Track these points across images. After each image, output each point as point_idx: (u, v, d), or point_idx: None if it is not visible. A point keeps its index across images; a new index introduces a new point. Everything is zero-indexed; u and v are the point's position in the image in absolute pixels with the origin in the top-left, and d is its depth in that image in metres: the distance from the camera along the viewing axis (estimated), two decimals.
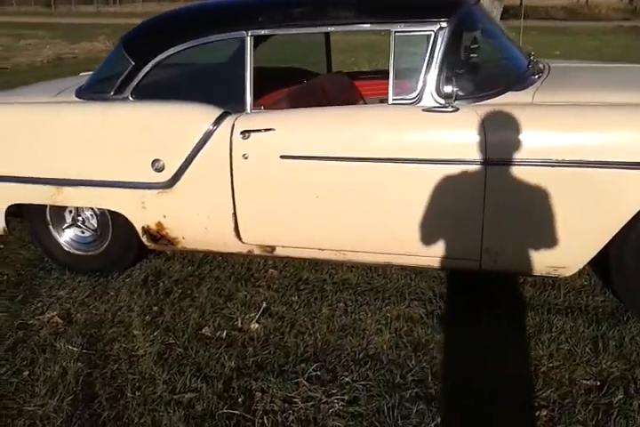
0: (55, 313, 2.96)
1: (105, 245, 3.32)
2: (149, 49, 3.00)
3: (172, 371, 2.49)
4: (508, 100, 2.65)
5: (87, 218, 3.35)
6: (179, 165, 2.92)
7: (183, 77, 3.25)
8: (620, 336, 2.60)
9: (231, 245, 3.06)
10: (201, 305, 3.00)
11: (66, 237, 3.39)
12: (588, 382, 2.35)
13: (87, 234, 3.37)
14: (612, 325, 2.69)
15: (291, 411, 2.24)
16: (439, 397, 2.30)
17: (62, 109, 3.12)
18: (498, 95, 2.67)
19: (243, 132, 2.80)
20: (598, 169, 2.47)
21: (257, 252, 3.07)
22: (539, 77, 2.87)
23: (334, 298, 3.03)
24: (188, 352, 2.62)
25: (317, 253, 2.99)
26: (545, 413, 2.22)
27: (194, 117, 2.88)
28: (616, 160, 2.45)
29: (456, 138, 2.61)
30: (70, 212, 3.36)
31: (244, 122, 2.83)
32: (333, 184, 2.79)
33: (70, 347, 2.67)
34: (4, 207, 3.27)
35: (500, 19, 7.48)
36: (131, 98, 3.03)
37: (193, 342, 2.70)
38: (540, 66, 3.15)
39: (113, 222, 3.21)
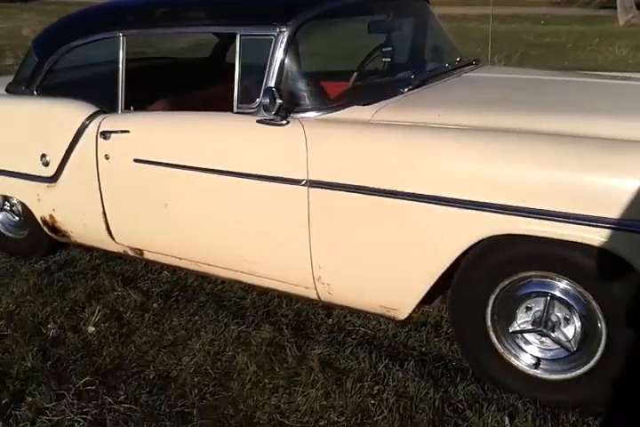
0: None
1: (27, 231, 3.47)
2: (48, 47, 3.08)
3: None
4: (345, 116, 2.33)
5: (15, 204, 3.52)
6: (59, 161, 2.96)
7: (80, 76, 3.29)
8: None
9: (108, 244, 3.06)
10: (66, 300, 3.02)
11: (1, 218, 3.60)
12: None
13: (16, 218, 3.55)
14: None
15: (23, 425, 2.19)
16: None
17: None
18: (338, 109, 2.36)
19: (102, 133, 2.77)
20: (412, 202, 2.10)
21: (130, 253, 3.04)
22: (408, 90, 2.47)
23: (194, 310, 2.90)
24: (3, 344, 2.66)
25: (178, 262, 2.89)
26: None
27: (68, 114, 2.90)
28: (432, 194, 2.06)
29: (282, 154, 2.36)
30: (3, 197, 3.56)
31: (107, 122, 2.80)
32: (179, 193, 2.67)
33: None
34: None
35: None
36: (35, 93, 3.13)
37: (25, 334, 2.73)
38: (450, 74, 2.73)
39: (24, 211, 3.35)
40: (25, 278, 3.24)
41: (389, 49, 2.78)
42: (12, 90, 3.25)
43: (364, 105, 2.35)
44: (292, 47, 2.36)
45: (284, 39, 2.35)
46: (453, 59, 2.93)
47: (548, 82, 2.73)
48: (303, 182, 2.29)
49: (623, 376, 2.03)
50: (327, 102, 2.38)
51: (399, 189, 2.11)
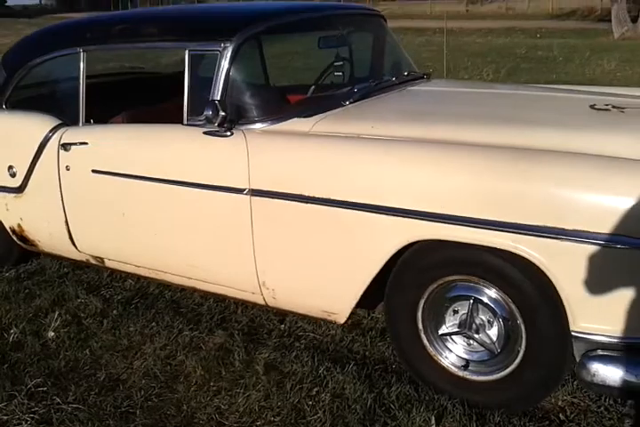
0: None
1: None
2: (16, 62, 3.22)
3: None
4: (286, 128, 2.44)
5: None
6: (25, 172, 3.08)
7: (46, 90, 3.42)
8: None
9: (72, 253, 3.16)
10: (30, 307, 3.12)
11: None
12: None
13: None
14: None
15: None
16: None
17: None
18: (281, 121, 2.47)
19: (63, 145, 2.89)
20: (343, 209, 2.20)
21: (93, 261, 3.14)
22: (350, 103, 2.58)
23: (151, 316, 3.00)
24: None
25: (136, 270, 2.99)
26: None
27: (32, 127, 3.03)
28: (360, 202, 2.16)
29: (226, 164, 2.47)
30: None
31: (68, 134, 2.91)
32: (134, 203, 2.78)
33: None
34: None
35: None
36: (4, 107, 3.26)
37: None
38: (393, 88, 2.84)
39: None
40: None
41: (338, 64, 2.90)
42: None
43: (304, 117, 2.46)
44: (236, 62, 2.47)
45: (227, 54, 2.46)
46: (401, 73, 3.04)
47: (486, 94, 2.84)
48: (245, 191, 2.40)
49: (544, 377, 2.11)
50: (270, 114, 2.49)
51: (331, 198, 2.21)
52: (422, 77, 3.16)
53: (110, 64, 4.69)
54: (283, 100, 2.63)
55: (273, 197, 2.35)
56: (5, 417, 2.31)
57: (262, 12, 2.74)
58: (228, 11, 2.98)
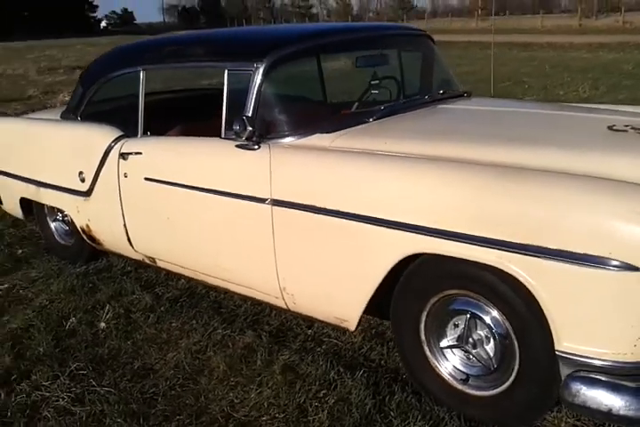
0: None
1: (74, 240, 3.98)
2: (90, 79, 3.60)
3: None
4: (308, 142, 2.60)
5: (66, 215, 4.04)
6: (92, 178, 3.43)
7: (113, 104, 3.76)
8: None
9: (130, 252, 3.47)
10: (91, 300, 3.46)
11: (55, 227, 4.13)
12: None
13: (66, 228, 4.07)
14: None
15: (20, 397, 2.59)
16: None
17: (38, 125, 3.88)
18: (305, 136, 2.63)
19: (122, 154, 3.20)
20: (351, 221, 2.32)
21: (147, 261, 3.43)
22: (373, 120, 2.70)
23: (193, 314, 3.23)
24: (29, 332, 3.12)
25: (181, 270, 3.25)
26: None
27: (99, 137, 3.36)
28: (365, 214, 2.28)
29: (252, 176, 2.65)
30: (58, 209, 4.09)
31: (127, 145, 3.22)
32: (177, 208, 3.03)
33: None
34: (17, 199, 4.14)
35: None
36: (79, 119, 3.64)
37: (48, 326, 3.18)
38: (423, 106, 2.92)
39: (70, 221, 3.85)
40: (65, 279, 3.73)
41: (375, 82, 3.02)
42: (64, 116, 3.80)
43: (326, 133, 2.61)
44: (266, 81, 2.66)
45: (258, 74, 2.66)
46: (437, 90, 3.11)
47: (510, 114, 2.85)
48: (267, 201, 2.57)
49: (536, 396, 2.12)
50: (295, 130, 2.66)
51: (340, 209, 2.34)
52: (462, 95, 3.22)
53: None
54: (309, 117, 2.78)
55: (291, 208, 2.51)
56: (47, 394, 2.61)
57: (294, 35, 2.92)
58: (263, 34, 3.19)
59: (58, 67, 18.12)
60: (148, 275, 3.77)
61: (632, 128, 2.32)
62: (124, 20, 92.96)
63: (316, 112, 2.82)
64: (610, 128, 2.35)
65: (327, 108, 2.85)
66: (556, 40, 22.65)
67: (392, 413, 2.36)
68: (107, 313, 3.27)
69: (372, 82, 3.03)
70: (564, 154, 2.18)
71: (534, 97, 9.85)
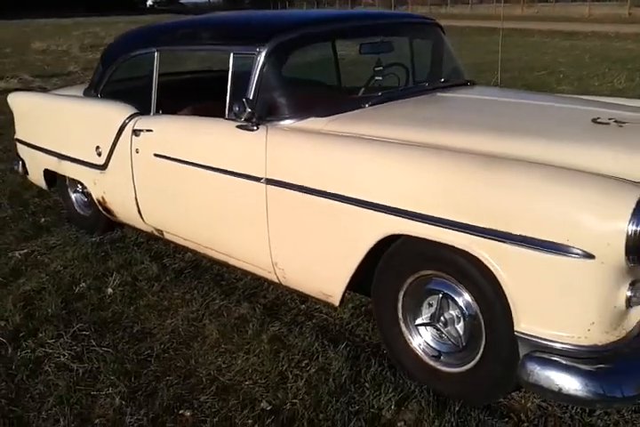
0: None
1: (91, 210, 4.19)
2: (109, 58, 3.76)
3: None
4: (304, 125, 2.71)
5: (85, 186, 4.24)
6: (107, 153, 3.60)
7: (130, 83, 3.91)
8: None
9: (141, 224, 3.65)
10: (102, 267, 3.66)
11: (75, 198, 4.35)
12: None
13: (85, 199, 4.28)
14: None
15: (25, 352, 2.80)
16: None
17: (62, 101, 4.07)
18: (302, 119, 2.73)
19: (134, 131, 3.36)
20: (336, 202, 2.43)
21: (156, 233, 3.61)
22: (369, 106, 2.79)
23: (195, 285, 3.41)
24: (40, 295, 3.33)
25: (187, 244, 3.41)
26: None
27: (114, 114, 3.52)
28: (347, 195, 2.39)
29: (249, 155, 2.77)
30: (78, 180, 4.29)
31: (139, 122, 3.38)
32: (182, 184, 3.18)
33: None
34: (42, 171, 4.36)
35: None
36: (99, 96, 3.82)
37: (59, 289, 3.39)
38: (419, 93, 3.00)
39: (89, 193, 4.05)
40: (80, 247, 3.95)
41: (378, 69, 3.10)
42: (86, 93, 3.98)
43: (322, 117, 2.72)
44: (267, 65, 2.77)
45: (261, 58, 2.77)
46: (438, 79, 3.18)
47: (506, 104, 2.90)
48: (262, 180, 2.70)
49: (500, 375, 2.22)
50: (292, 113, 2.77)
51: (327, 190, 2.45)
52: (466, 84, 3.28)
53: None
54: (307, 101, 2.88)
55: (283, 187, 2.63)
56: (50, 351, 2.81)
57: (298, 21, 3.02)
58: (269, 19, 3.29)
59: (100, 44, 18.40)
60: (158, 247, 3.96)
61: (615, 121, 2.37)
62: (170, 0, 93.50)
63: (313, 96, 2.92)
64: (594, 120, 2.40)
65: (325, 92, 2.94)
66: (603, 29, 22.05)
67: (367, 384, 2.49)
68: (114, 280, 3.46)
69: (376, 68, 3.11)
70: (542, 144, 2.24)
71: (567, 87, 9.72)
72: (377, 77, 3.13)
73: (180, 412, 2.40)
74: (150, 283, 3.46)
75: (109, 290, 3.39)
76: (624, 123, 2.35)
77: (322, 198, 2.49)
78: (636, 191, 1.81)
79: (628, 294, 1.89)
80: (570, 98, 3.27)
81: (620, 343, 1.93)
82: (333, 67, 3.41)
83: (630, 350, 1.97)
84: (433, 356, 2.43)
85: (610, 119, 2.39)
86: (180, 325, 3.02)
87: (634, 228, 1.76)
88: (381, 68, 3.13)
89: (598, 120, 2.40)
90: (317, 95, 2.89)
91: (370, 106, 2.81)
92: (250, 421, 2.33)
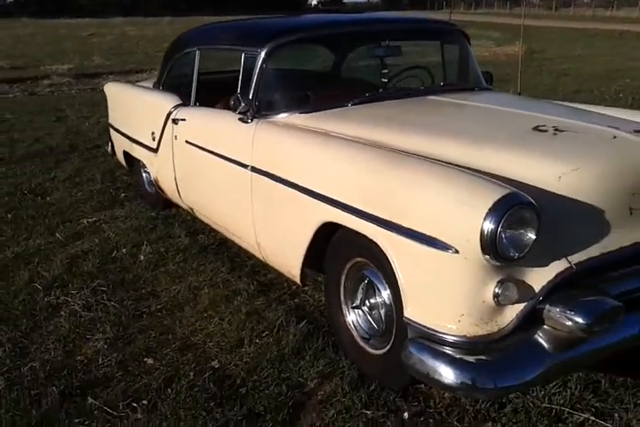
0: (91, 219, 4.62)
1: (154, 189, 4.76)
2: (168, 56, 4.28)
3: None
4: (287, 120, 3.00)
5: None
6: (158, 138, 4.12)
7: (182, 77, 4.37)
8: None
9: (181, 203, 4.15)
10: (145, 237, 4.19)
11: (145, 177, 4.95)
12: None
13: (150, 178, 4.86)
14: None
15: (51, 298, 3.36)
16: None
17: (136, 91, 4.67)
18: (287, 115, 3.03)
19: (174, 120, 3.84)
20: (292, 189, 2.71)
21: (191, 211, 4.08)
22: (352, 105, 3.01)
23: (211, 259, 3.82)
24: (86, 255, 3.92)
25: (209, 222, 3.84)
26: None
27: (163, 105, 4.02)
28: (298, 184, 2.66)
29: (243, 145, 3.11)
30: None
31: (179, 112, 3.85)
32: (201, 167, 3.60)
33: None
34: (122, 151, 5.03)
35: None
36: (161, 88, 4.36)
37: (102, 251, 3.96)
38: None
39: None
40: (137, 220, 4.53)
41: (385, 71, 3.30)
42: (154, 86, 4.55)
43: (305, 113, 2.99)
44: (266, 64, 3.09)
45: (260, 58, 3.10)
46: (438, 82, 3.30)
47: (478, 109, 2.95)
48: (249, 168, 3.03)
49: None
50: (282, 109, 3.06)
51: (287, 179, 2.73)
52: (473, 89, 3.36)
53: None
54: (295, 98, 3.14)
55: (262, 175, 2.94)
56: (70, 300, 3.35)
57: (295, 26, 3.28)
58: (272, 23, 3.58)
59: None
60: (198, 225, 4.42)
61: (556, 129, 2.41)
62: None
63: (302, 94, 3.17)
64: (535, 128, 2.45)
65: (314, 91, 3.17)
66: None
67: (307, 357, 2.75)
68: (147, 249, 3.97)
69: (383, 71, 3.31)
70: (471, 147, 2.36)
71: None
72: (374, 78, 3.32)
73: (145, 360, 2.82)
74: (176, 254, 3.92)
75: (141, 257, 3.90)
76: (562, 131, 2.38)
77: (284, 186, 2.77)
78: (498, 192, 1.91)
79: (496, 290, 1.98)
80: (562, 106, 3.23)
81: (491, 338, 2.03)
82: (329, 67, 3.63)
83: (506, 345, 2.06)
84: (364, 338, 2.63)
85: (553, 127, 2.44)
86: (182, 290, 3.45)
87: (489, 226, 1.88)
88: (387, 71, 3.31)
89: (539, 128, 2.45)
90: (306, 93, 3.14)
91: (352, 105, 3.03)
92: (192, 373, 2.68)
